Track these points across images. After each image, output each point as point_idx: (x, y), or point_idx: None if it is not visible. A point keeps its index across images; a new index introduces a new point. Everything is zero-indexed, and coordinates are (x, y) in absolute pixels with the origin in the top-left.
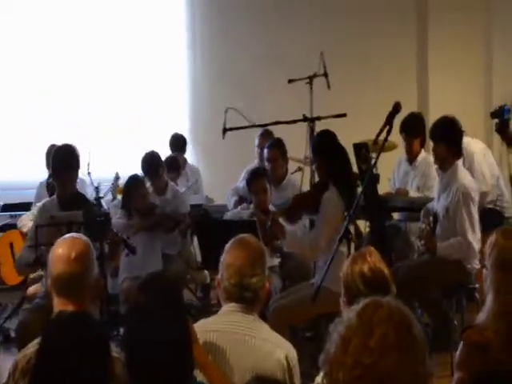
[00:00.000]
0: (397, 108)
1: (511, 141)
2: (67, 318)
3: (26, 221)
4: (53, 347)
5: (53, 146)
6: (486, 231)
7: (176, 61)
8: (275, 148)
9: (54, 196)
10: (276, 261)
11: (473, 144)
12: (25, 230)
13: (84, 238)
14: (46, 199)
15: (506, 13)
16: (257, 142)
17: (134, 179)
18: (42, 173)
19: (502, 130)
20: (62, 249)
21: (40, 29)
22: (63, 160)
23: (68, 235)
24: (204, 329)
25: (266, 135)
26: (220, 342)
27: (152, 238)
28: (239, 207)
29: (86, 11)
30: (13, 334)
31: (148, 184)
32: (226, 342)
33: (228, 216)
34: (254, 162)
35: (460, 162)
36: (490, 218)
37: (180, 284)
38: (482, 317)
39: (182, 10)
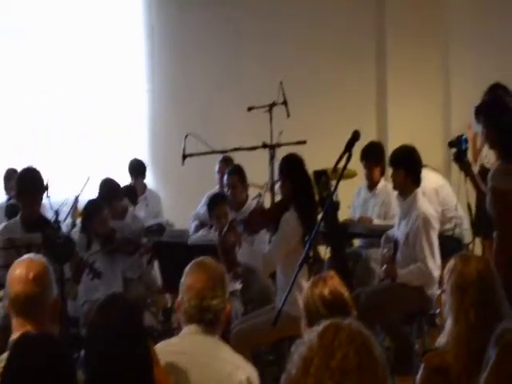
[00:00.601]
0: (356, 136)
1: (469, 170)
2: (32, 338)
3: None
4: (19, 367)
5: (11, 170)
6: (445, 258)
7: (136, 86)
8: (235, 175)
9: (17, 218)
10: (237, 285)
11: (426, 181)
12: None
13: (42, 258)
14: (8, 221)
15: (462, 44)
16: (217, 168)
17: (93, 204)
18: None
19: (459, 159)
20: (20, 269)
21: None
22: (29, 182)
23: (26, 256)
24: (165, 350)
25: (226, 162)
26: (181, 364)
27: (112, 261)
28: (201, 231)
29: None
30: None
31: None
32: (188, 363)
33: (193, 240)
34: (215, 188)
35: (420, 190)
36: (449, 245)
37: (140, 306)
38: (441, 340)
39: (141, 36)
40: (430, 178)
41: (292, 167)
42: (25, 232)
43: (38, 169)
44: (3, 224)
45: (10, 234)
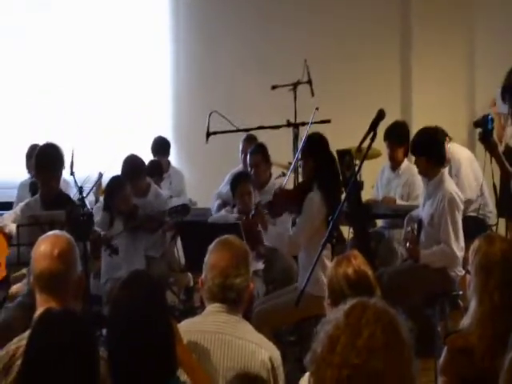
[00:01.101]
0: (381, 115)
1: (495, 150)
2: (56, 314)
3: (8, 220)
4: (42, 343)
5: (33, 146)
6: (468, 239)
7: (159, 64)
8: (258, 153)
9: (37, 195)
10: (260, 265)
11: (460, 151)
12: (6, 230)
13: (67, 235)
14: (29, 199)
15: (488, 26)
16: (241, 147)
17: (115, 181)
18: (23, 173)
19: (485, 139)
20: (45, 246)
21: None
22: (47, 159)
23: (51, 232)
24: (188, 329)
25: (250, 140)
26: (204, 342)
27: (135, 239)
28: (223, 210)
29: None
30: None
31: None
32: (210, 341)
33: (213, 219)
34: (239, 167)
35: (446, 170)
36: (473, 226)
37: (163, 283)
38: (465, 322)
39: (166, 15)
40: (463, 151)
41: (315, 146)
42: (44, 209)
43: (57, 145)
44: (25, 201)
45: (31, 212)
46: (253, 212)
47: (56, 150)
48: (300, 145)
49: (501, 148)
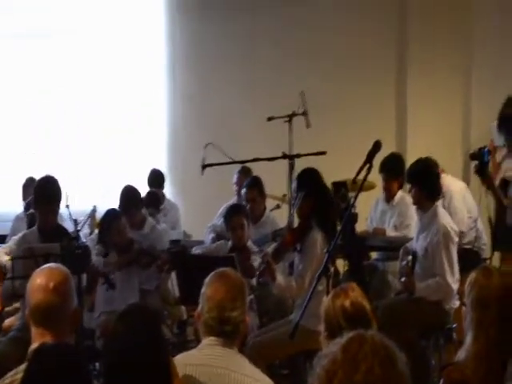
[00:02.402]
0: (377, 146)
1: (491, 183)
2: (51, 348)
3: (1, 254)
4: (38, 378)
5: (30, 179)
6: (463, 272)
7: (156, 96)
8: (254, 188)
9: (35, 228)
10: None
11: (452, 183)
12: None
13: (62, 267)
14: (26, 231)
15: (484, 56)
16: (235, 179)
17: (111, 213)
18: (18, 205)
19: (481, 171)
20: (40, 279)
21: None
22: (46, 192)
23: (46, 265)
24: (183, 362)
25: (245, 172)
26: (200, 376)
27: (129, 272)
28: (214, 244)
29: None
30: None
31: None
32: (206, 375)
33: (198, 250)
34: (233, 199)
35: (440, 203)
36: (468, 259)
37: (160, 315)
38: (461, 355)
39: (162, 46)
40: (456, 183)
41: (311, 182)
42: (42, 241)
43: (55, 178)
44: (22, 233)
45: (27, 244)
46: (262, 267)
47: (54, 183)
48: (294, 180)
49: (496, 182)
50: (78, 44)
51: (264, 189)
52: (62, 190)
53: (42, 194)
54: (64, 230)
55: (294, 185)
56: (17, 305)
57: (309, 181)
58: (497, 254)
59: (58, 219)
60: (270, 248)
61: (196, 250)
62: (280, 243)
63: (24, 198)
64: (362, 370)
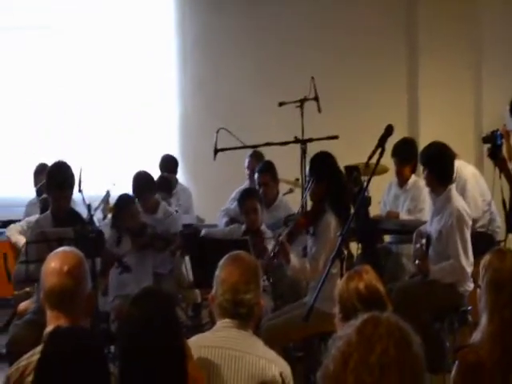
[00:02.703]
0: (389, 130)
1: (503, 165)
2: (67, 331)
3: (15, 230)
4: (54, 360)
5: (42, 164)
6: (477, 255)
7: (167, 82)
8: (266, 172)
9: (48, 212)
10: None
11: (465, 169)
12: (13, 239)
13: (77, 251)
14: (39, 215)
15: (495, 41)
16: (246, 163)
17: (124, 198)
18: (30, 190)
19: (494, 154)
20: (55, 262)
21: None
22: (59, 177)
23: (60, 249)
24: (198, 344)
25: (256, 157)
26: (214, 358)
27: (143, 256)
28: (228, 228)
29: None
30: (3, 350)
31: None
32: (221, 357)
33: (207, 231)
34: (245, 184)
35: (453, 187)
36: (482, 242)
37: (174, 299)
38: (476, 336)
39: (172, 31)
40: (468, 168)
41: (326, 167)
42: (55, 226)
43: (68, 163)
44: (35, 218)
45: (40, 228)
46: (277, 248)
47: (66, 169)
48: (308, 164)
49: (510, 165)
50: (92, 31)
51: (277, 173)
52: (74, 175)
53: (55, 179)
54: (77, 214)
55: (308, 168)
56: (28, 289)
57: (322, 164)
58: (511, 237)
59: (71, 204)
60: (284, 231)
61: (205, 231)
62: (293, 225)
63: (35, 184)
64: (377, 351)
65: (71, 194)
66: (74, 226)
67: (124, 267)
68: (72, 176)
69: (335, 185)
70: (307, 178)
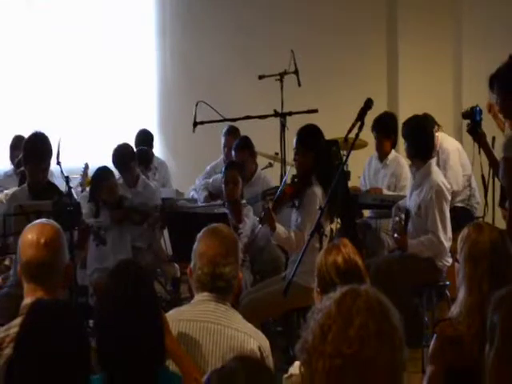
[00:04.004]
0: (368, 104)
1: (483, 141)
2: (47, 303)
3: None
4: (34, 333)
5: (18, 137)
6: (456, 230)
7: (145, 54)
8: (244, 149)
9: (25, 185)
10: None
11: (449, 141)
12: None
13: (54, 223)
14: (16, 188)
15: (475, 14)
16: (223, 140)
17: (101, 171)
18: (4, 163)
19: (474, 131)
20: (32, 234)
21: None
22: (36, 148)
23: (37, 221)
24: (176, 318)
25: (232, 133)
26: (193, 332)
27: (122, 230)
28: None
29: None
30: None
31: (118, 176)
32: (199, 331)
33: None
34: (220, 158)
35: (433, 161)
36: (461, 216)
37: (151, 273)
38: (454, 311)
39: (151, 8)
40: (451, 140)
41: (315, 139)
42: (32, 199)
43: (45, 134)
44: (12, 191)
45: (17, 202)
46: (264, 217)
47: (44, 140)
48: (296, 136)
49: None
50: (71, 3)
51: (254, 148)
52: (51, 146)
53: (32, 150)
54: (55, 187)
55: (295, 140)
56: (7, 262)
57: (311, 136)
58: (489, 212)
59: (48, 176)
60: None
61: (181, 202)
62: (279, 195)
63: (11, 157)
64: (355, 324)
65: (49, 165)
66: (52, 198)
67: (100, 240)
68: (50, 147)
69: (323, 158)
70: (294, 150)
